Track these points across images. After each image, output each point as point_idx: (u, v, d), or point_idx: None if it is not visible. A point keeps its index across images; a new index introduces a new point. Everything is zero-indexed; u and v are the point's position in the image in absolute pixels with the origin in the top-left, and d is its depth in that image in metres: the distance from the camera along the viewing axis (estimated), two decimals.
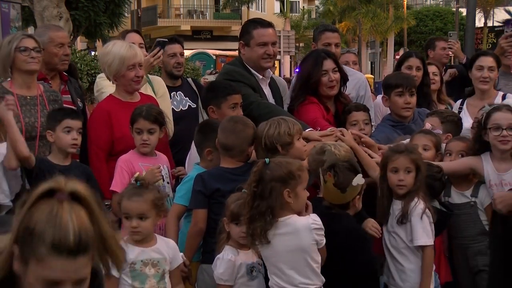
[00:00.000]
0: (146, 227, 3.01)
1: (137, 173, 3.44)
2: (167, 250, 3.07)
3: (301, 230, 2.93)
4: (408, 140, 3.89)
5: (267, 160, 3.01)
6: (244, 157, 3.39)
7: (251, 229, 2.96)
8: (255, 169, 3.02)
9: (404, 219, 3.34)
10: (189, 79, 5.44)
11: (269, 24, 4.35)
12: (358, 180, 3.17)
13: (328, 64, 4.23)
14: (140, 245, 3.03)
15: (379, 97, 5.21)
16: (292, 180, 2.93)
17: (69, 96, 4.34)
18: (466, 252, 3.81)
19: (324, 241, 2.96)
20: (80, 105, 4.39)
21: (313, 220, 2.95)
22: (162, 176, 3.74)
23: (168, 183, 3.78)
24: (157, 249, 3.05)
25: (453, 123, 4.19)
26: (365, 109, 4.27)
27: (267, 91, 4.35)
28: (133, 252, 2.99)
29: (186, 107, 5.00)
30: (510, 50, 5.30)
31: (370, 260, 3.18)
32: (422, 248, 3.33)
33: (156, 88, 4.63)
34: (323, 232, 2.94)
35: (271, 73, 4.47)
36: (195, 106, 5.01)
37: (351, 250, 3.14)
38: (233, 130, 3.38)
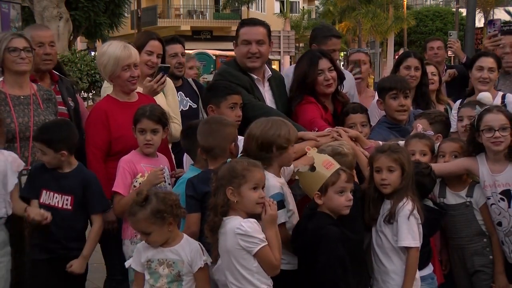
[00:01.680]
0: (152, 240, 3.05)
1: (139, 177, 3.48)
2: (188, 252, 3.06)
3: (228, 233, 2.95)
4: (402, 143, 3.89)
5: (228, 160, 3.08)
6: (228, 156, 3.36)
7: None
8: (215, 168, 3.10)
9: (391, 218, 3.32)
10: (190, 79, 5.45)
11: (258, 23, 4.31)
12: (301, 168, 3.22)
13: (324, 63, 4.23)
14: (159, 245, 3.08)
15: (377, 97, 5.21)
16: (235, 179, 2.95)
17: (60, 96, 4.31)
18: (463, 253, 3.81)
19: (255, 248, 2.89)
20: (72, 104, 4.36)
21: (240, 225, 2.92)
22: (163, 177, 3.75)
23: (169, 184, 3.78)
24: (175, 250, 3.06)
25: (442, 123, 4.17)
26: (362, 111, 4.27)
27: (265, 91, 4.32)
28: (151, 250, 3.05)
29: (187, 107, 5.02)
30: (493, 50, 5.32)
31: (328, 259, 3.09)
32: (407, 249, 3.29)
33: (166, 89, 4.63)
34: (252, 239, 2.90)
35: (270, 73, 4.41)
36: (196, 106, 5.02)
37: (313, 247, 3.12)
38: (209, 132, 3.38)
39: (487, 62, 4.69)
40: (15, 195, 3.61)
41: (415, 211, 3.30)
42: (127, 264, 3.15)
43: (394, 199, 3.35)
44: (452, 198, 3.81)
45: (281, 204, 3.26)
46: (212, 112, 3.84)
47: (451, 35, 6.47)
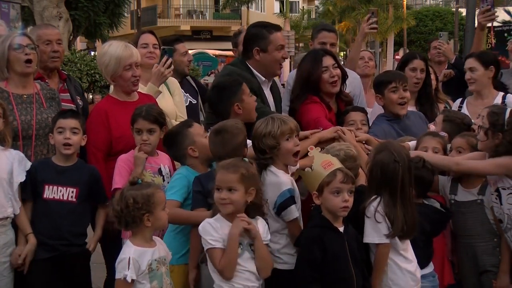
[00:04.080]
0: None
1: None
2: (164, 247, 3.16)
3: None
4: (413, 142, 3.88)
5: None
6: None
7: None
8: None
9: (362, 215, 3.30)
10: (188, 77, 5.49)
11: (280, 27, 4.32)
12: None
13: (328, 60, 4.23)
14: (148, 246, 3.06)
15: None
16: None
17: (68, 94, 4.33)
18: (473, 251, 3.79)
19: (205, 248, 2.98)
20: (80, 103, 4.38)
21: (204, 223, 3.02)
22: (163, 176, 3.75)
23: (168, 183, 3.77)
24: (161, 247, 3.12)
25: (454, 124, 4.15)
26: (363, 111, 4.32)
27: (267, 93, 4.33)
28: (147, 253, 3.03)
29: (188, 103, 5.08)
30: (486, 25, 5.34)
31: (299, 261, 3.15)
32: (376, 246, 3.26)
33: (172, 89, 4.68)
34: (203, 239, 2.98)
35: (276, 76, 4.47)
36: (196, 102, 5.13)
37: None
38: (220, 142, 3.37)
39: (467, 63, 4.70)
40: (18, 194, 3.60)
41: (380, 209, 3.23)
42: (129, 279, 2.98)
43: (366, 196, 3.33)
44: (463, 195, 3.80)
45: (292, 200, 3.27)
46: (239, 110, 3.75)
47: (441, 36, 6.45)
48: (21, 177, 3.57)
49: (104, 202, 3.75)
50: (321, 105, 4.18)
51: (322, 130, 3.84)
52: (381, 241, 3.23)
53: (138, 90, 4.08)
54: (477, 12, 6.31)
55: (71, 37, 17.00)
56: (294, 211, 3.27)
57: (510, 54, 5.08)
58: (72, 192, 3.63)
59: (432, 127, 4.03)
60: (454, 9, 37.64)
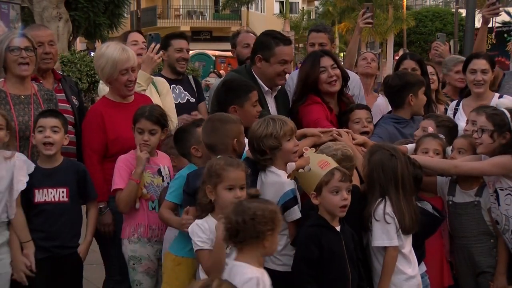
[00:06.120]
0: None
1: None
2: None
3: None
4: (411, 145, 3.89)
5: (218, 156, 3.11)
6: (231, 152, 3.33)
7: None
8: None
9: (369, 218, 3.31)
10: (190, 76, 5.49)
11: (289, 41, 4.31)
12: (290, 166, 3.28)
13: (326, 61, 4.24)
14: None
15: (380, 98, 5.22)
16: (212, 178, 2.97)
17: (63, 94, 4.31)
18: (470, 252, 3.80)
19: (195, 249, 2.99)
20: (76, 103, 4.37)
21: (193, 224, 3.03)
22: (163, 176, 3.76)
23: (168, 183, 3.78)
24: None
25: (447, 129, 4.15)
26: (367, 108, 4.33)
27: (270, 102, 4.31)
28: (265, 276, 2.85)
29: (185, 101, 5.07)
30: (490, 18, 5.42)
31: (295, 260, 3.16)
32: (384, 249, 3.28)
33: (160, 88, 4.68)
34: (193, 240, 2.99)
35: (279, 86, 4.40)
36: (194, 100, 5.10)
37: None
38: (212, 129, 3.37)
39: (479, 64, 4.59)
40: (17, 200, 3.54)
41: (389, 210, 3.26)
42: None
43: (370, 199, 3.34)
44: (461, 196, 3.81)
45: (295, 200, 3.28)
46: (235, 113, 3.75)
47: (438, 38, 6.42)
48: (22, 185, 3.50)
49: (94, 199, 3.76)
50: (322, 106, 4.18)
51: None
52: (391, 244, 3.26)
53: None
54: (477, 12, 6.30)
55: (71, 37, 16.99)
56: (297, 212, 3.27)
57: None
58: (63, 192, 3.61)
59: (430, 129, 4.03)
60: (454, 10, 37.63)
